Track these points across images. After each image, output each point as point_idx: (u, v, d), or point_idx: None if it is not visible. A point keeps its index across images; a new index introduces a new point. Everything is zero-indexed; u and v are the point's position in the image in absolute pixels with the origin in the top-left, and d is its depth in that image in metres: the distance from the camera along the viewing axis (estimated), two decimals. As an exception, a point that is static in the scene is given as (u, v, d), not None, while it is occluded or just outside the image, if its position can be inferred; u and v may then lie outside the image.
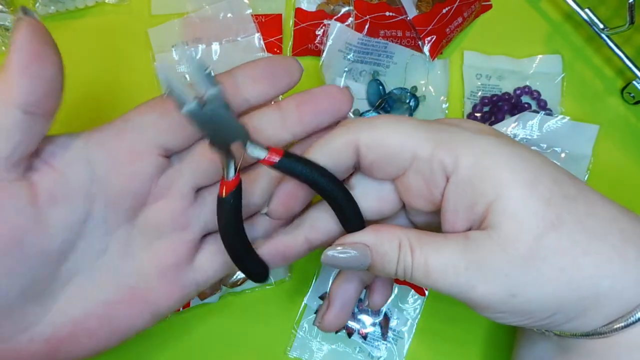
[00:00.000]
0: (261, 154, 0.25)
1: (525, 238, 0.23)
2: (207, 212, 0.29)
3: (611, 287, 0.23)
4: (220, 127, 0.25)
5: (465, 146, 0.25)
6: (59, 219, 0.25)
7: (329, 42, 0.41)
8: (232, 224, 0.27)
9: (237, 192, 0.26)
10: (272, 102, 0.30)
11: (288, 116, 0.29)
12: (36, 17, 0.23)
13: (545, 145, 0.39)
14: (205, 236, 0.30)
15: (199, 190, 0.29)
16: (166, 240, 0.29)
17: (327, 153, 0.27)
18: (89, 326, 0.27)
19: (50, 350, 0.26)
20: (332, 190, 0.26)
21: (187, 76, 0.41)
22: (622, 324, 0.24)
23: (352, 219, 0.28)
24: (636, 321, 0.24)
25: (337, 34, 0.41)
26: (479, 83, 0.42)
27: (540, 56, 0.42)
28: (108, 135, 0.27)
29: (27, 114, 0.23)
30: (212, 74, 0.24)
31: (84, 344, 0.27)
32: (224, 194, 0.26)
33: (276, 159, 0.25)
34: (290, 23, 0.43)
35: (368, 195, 0.28)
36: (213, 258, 0.30)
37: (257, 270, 0.28)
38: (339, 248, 0.26)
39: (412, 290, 0.39)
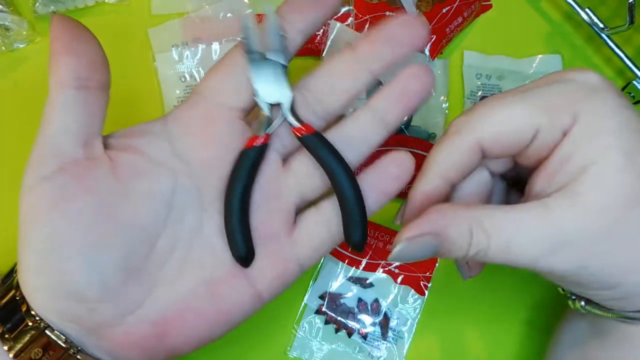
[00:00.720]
0: (295, 123, 0.27)
1: (613, 208, 0.23)
2: (299, 180, 0.29)
3: None
4: (271, 85, 0.27)
5: (584, 103, 0.24)
6: (144, 191, 0.26)
7: (329, 42, 0.41)
8: (242, 179, 0.27)
9: (261, 149, 0.27)
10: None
11: (360, 53, 0.28)
12: (64, 15, 0.26)
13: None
14: (303, 211, 0.29)
15: (285, 159, 0.29)
16: (260, 210, 0.28)
17: (452, 168, 0.27)
18: (194, 306, 0.27)
19: (159, 332, 0.26)
20: (342, 183, 0.27)
21: (186, 75, 0.41)
22: None
23: (354, 218, 0.27)
24: None
25: (337, 34, 0.41)
26: (479, 83, 0.42)
27: (540, 56, 0.42)
28: (183, 110, 0.28)
29: (80, 89, 0.25)
30: (284, 38, 0.27)
31: (193, 325, 0.27)
32: (248, 146, 0.27)
33: (303, 133, 0.27)
34: None
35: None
36: (313, 230, 0.29)
37: (243, 246, 0.27)
38: (407, 242, 0.24)
39: (412, 290, 0.39)
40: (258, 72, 0.27)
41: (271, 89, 0.27)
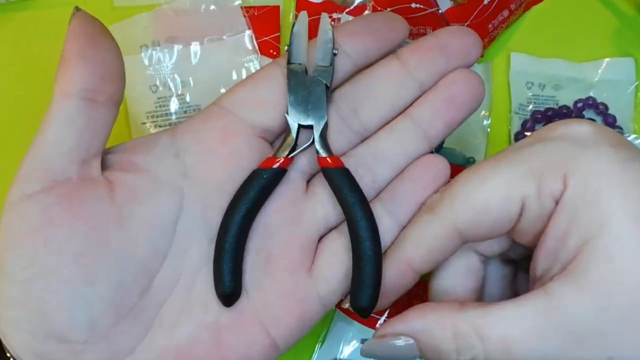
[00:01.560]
0: (322, 153, 0.27)
1: (626, 286, 0.22)
2: (324, 205, 0.28)
3: None
4: (307, 104, 0.27)
5: (574, 163, 0.23)
6: (144, 218, 0.25)
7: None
8: (246, 202, 0.26)
9: (277, 173, 0.26)
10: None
11: (409, 60, 0.28)
12: (87, 13, 0.25)
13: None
14: (324, 236, 0.29)
15: (309, 180, 0.29)
16: (276, 238, 0.27)
17: (421, 255, 0.26)
18: (195, 355, 0.26)
19: None
20: (362, 235, 0.26)
21: (159, 84, 0.38)
22: None
23: (366, 278, 0.26)
24: None
25: None
26: (530, 94, 0.39)
27: (607, 59, 0.39)
28: (197, 122, 0.28)
29: (88, 101, 0.24)
30: (335, 54, 0.27)
31: None
32: (264, 167, 0.26)
33: (328, 164, 0.27)
34: (291, 17, 0.40)
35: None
36: (336, 259, 0.27)
37: (229, 282, 0.26)
38: (380, 340, 0.25)
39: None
40: (296, 87, 0.27)
41: (306, 109, 0.27)
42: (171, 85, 0.38)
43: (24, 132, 0.28)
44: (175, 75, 0.38)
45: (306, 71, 0.27)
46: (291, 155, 0.27)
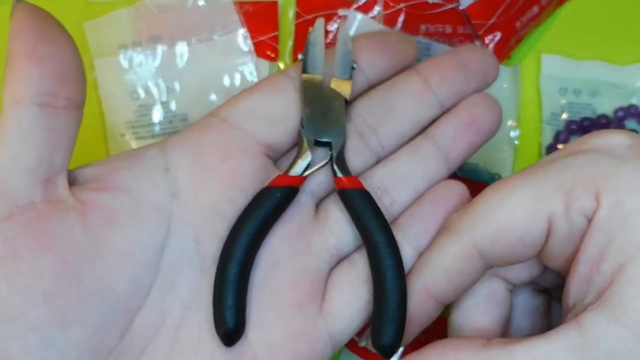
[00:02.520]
0: (339, 173, 0.26)
1: None
2: (335, 233, 0.27)
3: None
4: (324, 119, 0.26)
5: (607, 179, 0.23)
6: (121, 248, 0.24)
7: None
8: (253, 224, 0.25)
9: (289, 193, 0.26)
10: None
11: (430, 77, 0.29)
12: (31, 4, 0.24)
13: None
14: (335, 267, 0.28)
15: (318, 203, 0.28)
16: (284, 270, 0.26)
17: (440, 278, 0.25)
18: None
19: None
20: (385, 264, 0.26)
21: (140, 90, 0.36)
22: None
23: (390, 313, 0.25)
24: None
25: (358, 30, 0.36)
26: (564, 101, 0.37)
27: (653, 62, 0.37)
28: (192, 134, 0.26)
29: (44, 107, 0.23)
30: (354, 67, 0.27)
31: None
32: (273, 184, 0.26)
33: (346, 185, 0.26)
34: (290, 14, 0.38)
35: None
36: (350, 295, 0.27)
37: (232, 318, 0.24)
38: None
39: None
40: (313, 100, 0.27)
41: (324, 124, 0.26)
42: (154, 91, 0.36)
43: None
44: (159, 80, 0.36)
45: (323, 83, 0.27)
46: (306, 173, 0.26)
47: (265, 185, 0.26)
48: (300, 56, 0.28)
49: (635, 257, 0.21)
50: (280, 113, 0.27)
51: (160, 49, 0.36)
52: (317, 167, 0.26)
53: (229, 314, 0.25)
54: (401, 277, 0.26)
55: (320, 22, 0.28)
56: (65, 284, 0.23)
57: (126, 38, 0.36)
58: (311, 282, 0.27)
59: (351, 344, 0.33)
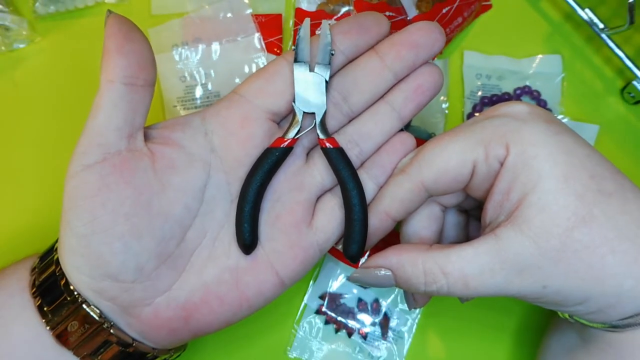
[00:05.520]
0: (322, 135, 0.29)
1: (556, 231, 0.24)
2: (321, 173, 0.30)
3: (633, 287, 0.24)
4: (310, 95, 0.28)
5: (514, 134, 0.25)
6: (180, 186, 0.27)
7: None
8: (261, 174, 0.28)
9: (285, 151, 0.28)
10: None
11: (386, 56, 0.29)
12: (119, 14, 0.27)
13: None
14: (320, 197, 0.31)
15: (309, 153, 0.31)
16: (284, 201, 0.29)
17: (396, 205, 0.28)
18: (219, 291, 0.28)
19: (185, 315, 0.27)
20: (353, 200, 0.28)
21: (186, 75, 0.41)
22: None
23: (355, 234, 0.29)
24: None
25: None
26: (479, 83, 0.42)
27: (540, 56, 0.42)
28: (221, 108, 0.29)
29: (128, 86, 0.25)
30: (332, 54, 0.29)
31: (216, 310, 0.28)
32: (274, 146, 0.28)
33: (328, 146, 0.29)
34: (290, 23, 0.42)
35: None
36: (331, 216, 0.30)
37: (249, 236, 0.28)
38: (364, 271, 0.27)
39: (412, 290, 0.38)
40: (302, 81, 0.28)
41: (309, 99, 0.29)
42: (197, 76, 0.40)
43: (72, 121, 0.31)
44: (200, 69, 0.40)
45: (309, 68, 0.29)
46: (297, 136, 0.29)
47: (269, 145, 0.29)
48: (292, 47, 0.29)
49: (534, 189, 0.24)
50: (280, 89, 0.29)
51: (200, 47, 0.41)
52: (305, 131, 0.29)
53: (247, 234, 0.28)
54: (364, 210, 0.28)
55: (307, 21, 0.30)
56: (140, 208, 0.26)
57: (177, 39, 0.41)
58: (303, 209, 0.30)
59: (332, 250, 0.37)
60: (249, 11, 0.42)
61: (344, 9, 0.42)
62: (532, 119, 0.26)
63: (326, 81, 0.29)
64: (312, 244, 0.30)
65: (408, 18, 0.41)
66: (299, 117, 0.29)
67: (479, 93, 0.42)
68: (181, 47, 0.41)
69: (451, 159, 0.26)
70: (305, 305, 0.38)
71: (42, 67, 0.42)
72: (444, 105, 0.41)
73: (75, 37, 0.42)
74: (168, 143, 0.28)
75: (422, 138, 0.40)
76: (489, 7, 0.44)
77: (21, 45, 0.41)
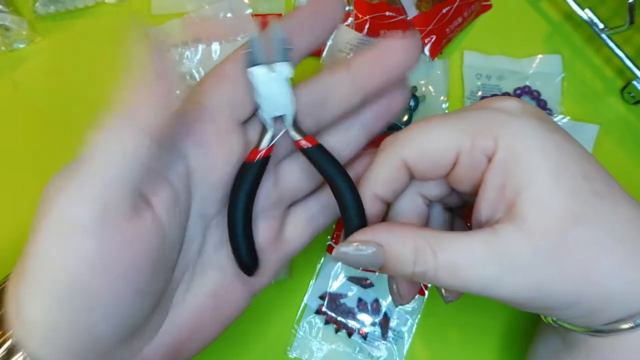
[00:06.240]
0: (297, 136, 0.27)
1: (551, 228, 0.23)
2: (292, 185, 0.30)
3: (622, 290, 0.24)
4: (275, 97, 0.26)
5: (503, 128, 0.25)
6: (173, 226, 0.25)
7: (329, 42, 0.41)
8: (245, 192, 0.27)
9: (263, 162, 0.27)
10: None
11: (357, 75, 0.28)
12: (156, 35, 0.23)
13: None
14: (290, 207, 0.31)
15: (276, 164, 0.30)
16: (264, 218, 0.29)
17: (382, 184, 0.27)
18: (203, 321, 0.27)
19: (173, 352, 0.27)
20: (344, 191, 0.27)
21: (187, 76, 0.41)
22: (626, 326, 0.24)
23: (352, 226, 0.28)
24: (637, 326, 0.24)
25: (338, 34, 0.41)
26: (479, 83, 0.42)
27: (540, 56, 0.42)
28: (193, 124, 0.26)
29: (154, 140, 0.22)
30: (289, 50, 0.26)
31: (201, 338, 0.28)
32: (251, 159, 0.27)
33: (307, 145, 0.27)
34: None
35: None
36: (300, 228, 0.30)
37: (247, 256, 0.28)
38: (351, 245, 0.25)
39: (412, 290, 0.38)
40: (263, 84, 0.26)
41: (275, 102, 0.27)
42: (197, 76, 0.41)
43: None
44: (200, 68, 0.41)
45: (269, 68, 0.26)
46: (272, 143, 0.27)
47: (245, 160, 0.27)
48: (244, 51, 0.26)
49: (529, 184, 0.24)
50: (246, 95, 0.27)
51: (200, 47, 0.41)
52: (279, 135, 0.27)
53: (245, 256, 0.27)
54: (359, 200, 0.28)
55: (255, 24, 0.29)
56: (138, 267, 0.23)
57: (177, 39, 0.41)
58: (279, 224, 0.30)
59: (332, 250, 0.38)
60: (249, 11, 0.42)
61: (344, 9, 0.40)
62: (524, 114, 0.25)
63: (289, 78, 0.27)
64: (285, 256, 0.30)
65: (408, 18, 0.42)
66: (269, 122, 0.27)
67: (479, 93, 0.42)
68: (181, 47, 0.41)
69: (434, 140, 0.26)
70: (305, 305, 0.38)
71: (42, 67, 0.42)
72: (444, 106, 0.41)
73: (75, 37, 0.43)
74: (159, 184, 0.25)
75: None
76: (489, 7, 0.44)
77: (21, 45, 0.42)
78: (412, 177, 0.28)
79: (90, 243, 0.21)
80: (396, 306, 0.32)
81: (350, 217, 0.27)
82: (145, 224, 0.23)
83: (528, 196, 0.24)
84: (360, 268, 0.27)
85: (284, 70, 0.26)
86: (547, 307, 0.25)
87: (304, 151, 0.27)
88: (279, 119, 0.27)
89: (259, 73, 0.26)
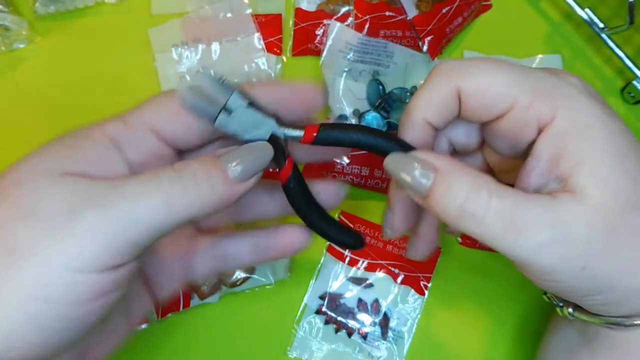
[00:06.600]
0: (299, 134, 0.26)
1: (613, 209, 0.23)
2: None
3: None
4: (250, 126, 0.25)
5: (567, 100, 0.24)
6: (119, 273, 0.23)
7: (329, 42, 0.41)
8: (304, 204, 0.27)
9: (295, 175, 0.26)
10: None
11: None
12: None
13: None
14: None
15: None
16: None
17: (434, 108, 0.26)
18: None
19: None
20: (381, 146, 0.26)
21: (187, 76, 0.41)
22: None
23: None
24: None
25: (337, 34, 0.41)
26: None
27: (540, 56, 0.43)
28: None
29: (172, 221, 0.23)
30: (226, 80, 0.25)
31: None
32: (284, 181, 0.26)
33: (314, 134, 0.26)
34: (290, 23, 0.43)
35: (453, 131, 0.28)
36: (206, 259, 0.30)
37: (352, 238, 0.28)
38: (407, 157, 0.24)
39: (412, 290, 0.39)
40: (233, 125, 0.25)
41: (254, 127, 0.25)
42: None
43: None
44: (200, 69, 0.41)
45: (224, 110, 0.25)
46: (288, 154, 0.26)
47: (282, 182, 0.26)
48: (187, 110, 0.25)
49: (590, 158, 0.23)
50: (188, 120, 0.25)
51: (200, 47, 0.41)
52: (292, 135, 0.26)
53: (347, 238, 0.28)
54: (404, 145, 0.26)
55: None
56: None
57: (177, 39, 0.41)
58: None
59: (331, 250, 0.38)
60: (249, 11, 0.42)
61: (344, 9, 0.42)
62: (589, 92, 0.25)
63: (249, 103, 0.25)
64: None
65: (408, 18, 0.41)
66: (269, 145, 0.26)
67: (479, 93, 0.42)
68: (181, 47, 0.41)
69: (496, 83, 0.25)
70: (305, 305, 0.38)
71: (42, 67, 0.42)
72: (444, 105, 0.41)
73: (75, 38, 0.43)
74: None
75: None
76: (489, 7, 0.44)
77: (21, 45, 0.42)
78: (459, 111, 0.26)
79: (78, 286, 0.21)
80: (384, 237, 0.30)
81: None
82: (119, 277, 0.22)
83: (590, 172, 0.23)
84: (404, 189, 0.25)
85: (237, 102, 0.25)
86: (583, 288, 0.24)
87: (316, 143, 0.26)
88: (273, 138, 0.26)
89: (222, 121, 0.25)
